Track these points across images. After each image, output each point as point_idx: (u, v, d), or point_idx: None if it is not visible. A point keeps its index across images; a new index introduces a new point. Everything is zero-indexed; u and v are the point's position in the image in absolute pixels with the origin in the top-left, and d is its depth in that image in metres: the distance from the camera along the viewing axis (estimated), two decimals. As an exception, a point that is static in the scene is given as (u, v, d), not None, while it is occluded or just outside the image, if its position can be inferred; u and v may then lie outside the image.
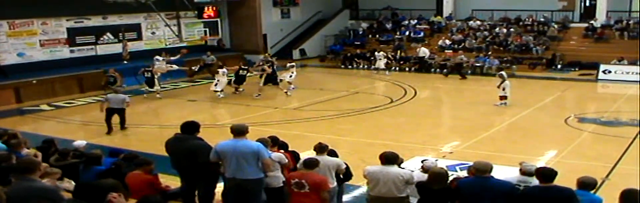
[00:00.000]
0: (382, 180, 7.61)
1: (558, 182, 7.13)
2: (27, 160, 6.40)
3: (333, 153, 8.77)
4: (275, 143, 8.86)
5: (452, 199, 7.12)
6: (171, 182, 9.32)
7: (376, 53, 28.47)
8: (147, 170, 8.54)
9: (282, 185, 8.35)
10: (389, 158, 7.70)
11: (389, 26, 33.91)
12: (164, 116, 18.51)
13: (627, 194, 6.26)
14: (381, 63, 27.66)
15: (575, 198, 6.57)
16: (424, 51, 28.77)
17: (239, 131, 7.92)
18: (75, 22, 25.18)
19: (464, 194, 7.06)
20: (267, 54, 26.41)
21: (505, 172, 7.89)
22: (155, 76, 21.75)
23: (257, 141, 8.20)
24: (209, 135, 15.06)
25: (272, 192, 8.49)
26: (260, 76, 21.74)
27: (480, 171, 7.05)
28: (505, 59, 27.54)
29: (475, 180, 7.15)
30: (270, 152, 8.24)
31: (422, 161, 8.58)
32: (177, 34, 25.12)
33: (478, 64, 27.38)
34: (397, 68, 28.81)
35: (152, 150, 14.65)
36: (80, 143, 10.99)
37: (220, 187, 8.66)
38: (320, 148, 8.45)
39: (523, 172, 7.49)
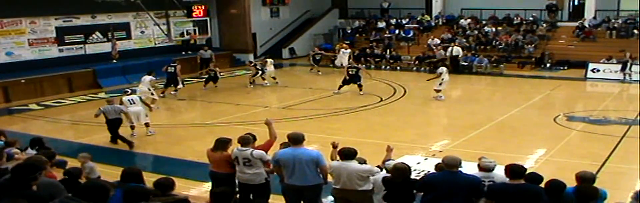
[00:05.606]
0: (342, 175, 8.03)
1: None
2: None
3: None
4: (254, 139, 9.14)
5: (412, 190, 7.52)
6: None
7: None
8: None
9: (264, 181, 8.76)
10: (347, 154, 8.10)
11: (382, 25, 33.81)
12: (152, 115, 18.39)
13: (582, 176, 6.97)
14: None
15: (544, 196, 6.61)
16: (457, 50, 27.44)
17: (296, 140, 8.33)
18: (64, 21, 25.00)
19: (431, 188, 7.15)
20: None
21: (472, 169, 7.78)
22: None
23: (240, 138, 8.77)
24: (197, 134, 15.06)
25: (256, 188, 8.78)
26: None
27: (449, 166, 7.10)
28: (493, 58, 27.57)
29: (442, 175, 7.23)
30: (268, 155, 8.71)
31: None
32: (166, 33, 25.09)
33: (466, 64, 27.42)
34: (388, 67, 28.86)
35: (140, 150, 14.67)
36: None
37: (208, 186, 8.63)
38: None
39: (481, 168, 7.48)
